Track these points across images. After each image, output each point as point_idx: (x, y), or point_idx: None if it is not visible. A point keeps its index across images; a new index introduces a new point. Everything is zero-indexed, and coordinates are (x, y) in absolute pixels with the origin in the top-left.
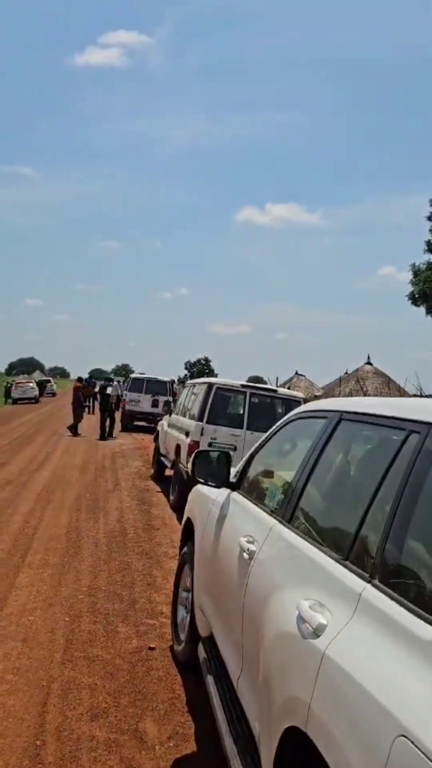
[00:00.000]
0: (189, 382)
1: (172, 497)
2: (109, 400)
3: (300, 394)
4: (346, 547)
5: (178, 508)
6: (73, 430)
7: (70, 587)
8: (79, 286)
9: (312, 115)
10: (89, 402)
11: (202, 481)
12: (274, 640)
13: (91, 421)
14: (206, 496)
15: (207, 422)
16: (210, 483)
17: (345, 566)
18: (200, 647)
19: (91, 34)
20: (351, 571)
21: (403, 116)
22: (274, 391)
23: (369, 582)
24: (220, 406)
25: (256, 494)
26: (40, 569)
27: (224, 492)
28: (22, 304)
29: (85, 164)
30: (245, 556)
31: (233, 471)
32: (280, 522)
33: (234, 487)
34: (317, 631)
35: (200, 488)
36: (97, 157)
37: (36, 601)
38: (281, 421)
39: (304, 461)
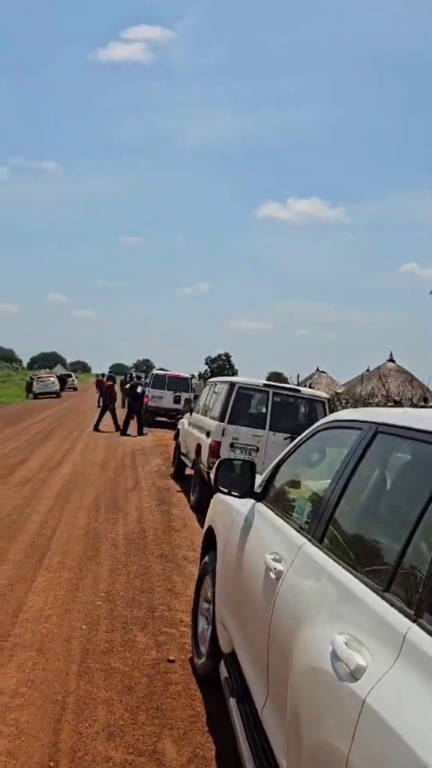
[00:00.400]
0: (210, 380)
1: (192, 498)
2: (139, 398)
3: (324, 394)
4: (387, 577)
5: (199, 509)
6: (122, 429)
7: (88, 592)
8: (101, 282)
9: (335, 110)
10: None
11: (225, 490)
12: (304, 676)
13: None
14: (229, 504)
15: (229, 422)
16: (234, 493)
17: (385, 599)
18: (222, 666)
19: (114, 30)
20: (393, 605)
21: (428, 111)
22: (298, 390)
23: (414, 621)
24: (242, 405)
25: (283, 507)
26: (58, 572)
27: (248, 502)
28: (45, 299)
29: (108, 159)
30: (272, 575)
31: (258, 479)
32: (310, 541)
33: (259, 497)
34: (355, 674)
35: (223, 496)
36: (120, 153)
37: (53, 606)
38: (310, 429)
39: (337, 476)
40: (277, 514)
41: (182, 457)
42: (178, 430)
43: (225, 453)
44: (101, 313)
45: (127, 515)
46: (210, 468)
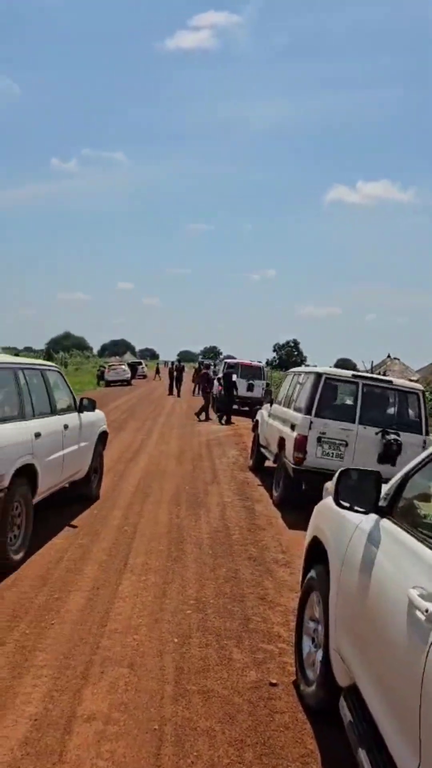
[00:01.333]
0: (292, 370)
1: (275, 493)
2: (235, 387)
3: (419, 386)
4: None
5: (283, 505)
6: (225, 419)
7: (176, 599)
8: (168, 269)
9: (404, 90)
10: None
11: (348, 505)
12: None
13: (181, 407)
14: (343, 516)
15: (315, 415)
16: (359, 509)
17: None
18: (342, 704)
19: (182, 18)
20: None
21: None
22: (389, 381)
23: None
24: (329, 397)
25: (417, 526)
26: (143, 575)
27: (370, 516)
28: (114, 287)
29: (175, 147)
30: (419, 616)
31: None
32: None
33: (384, 512)
34: None
35: (333, 504)
36: (186, 140)
37: (141, 615)
38: None
39: None
40: (411, 535)
41: (262, 450)
42: (257, 421)
43: (312, 447)
44: (168, 300)
45: (209, 511)
46: (295, 462)
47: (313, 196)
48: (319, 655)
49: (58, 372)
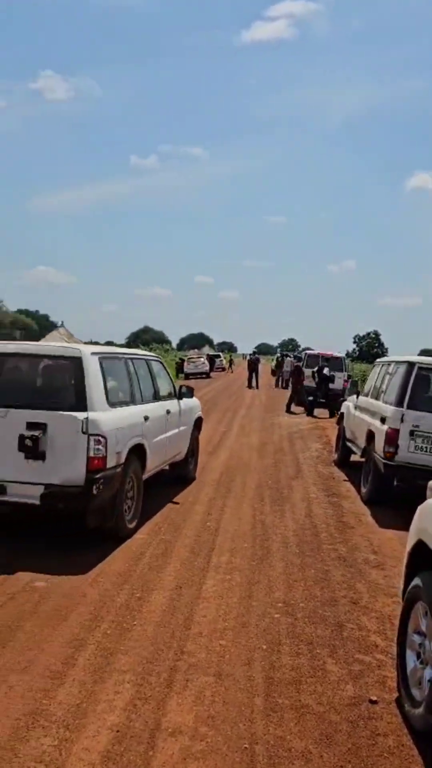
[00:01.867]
0: (379, 360)
1: (364, 489)
2: (329, 380)
3: None
4: None
5: (372, 502)
6: (309, 411)
7: (263, 601)
8: (246, 263)
9: None
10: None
11: None
12: None
13: (260, 400)
14: None
15: (408, 407)
16: None
17: None
18: None
19: (258, 9)
20: None
21: None
22: None
23: None
24: (422, 388)
25: None
26: (227, 575)
27: None
28: (193, 282)
29: (252, 139)
30: None
31: None
32: None
33: None
34: None
35: None
36: (263, 132)
37: (226, 618)
38: None
39: None
40: None
41: (348, 444)
42: (342, 414)
43: (404, 441)
44: (246, 293)
45: (294, 507)
46: (386, 457)
47: (394, 185)
48: (428, 673)
49: (160, 362)
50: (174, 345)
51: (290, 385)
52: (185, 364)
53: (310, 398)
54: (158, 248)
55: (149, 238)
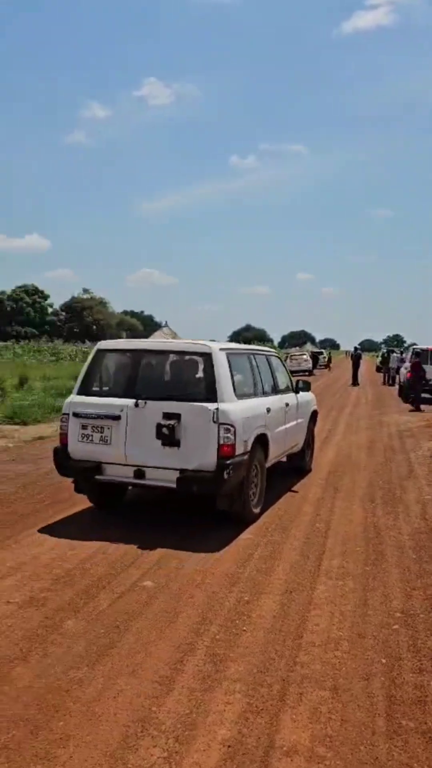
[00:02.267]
0: None
1: None
2: (424, 376)
3: None
4: None
5: None
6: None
7: (379, 610)
8: (349, 258)
9: None
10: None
11: None
12: None
13: (366, 397)
14: None
15: None
16: None
17: None
18: None
19: None
20: None
21: None
22: None
23: None
24: None
25: None
26: (340, 580)
27: None
28: (294, 279)
29: (353, 133)
30: None
31: None
32: None
33: None
34: None
35: None
36: (364, 124)
37: (341, 627)
38: None
39: None
40: None
41: None
42: None
43: None
44: (348, 289)
45: (408, 509)
46: None
47: None
48: None
49: (278, 357)
50: (276, 343)
51: (405, 381)
52: (288, 361)
53: (414, 395)
54: (259, 247)
55: (249, 237)
